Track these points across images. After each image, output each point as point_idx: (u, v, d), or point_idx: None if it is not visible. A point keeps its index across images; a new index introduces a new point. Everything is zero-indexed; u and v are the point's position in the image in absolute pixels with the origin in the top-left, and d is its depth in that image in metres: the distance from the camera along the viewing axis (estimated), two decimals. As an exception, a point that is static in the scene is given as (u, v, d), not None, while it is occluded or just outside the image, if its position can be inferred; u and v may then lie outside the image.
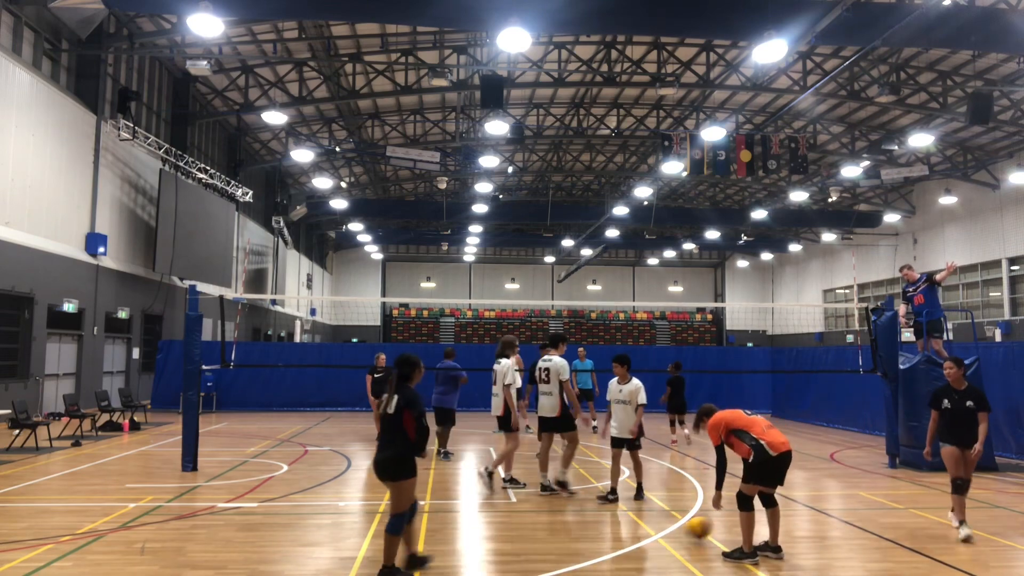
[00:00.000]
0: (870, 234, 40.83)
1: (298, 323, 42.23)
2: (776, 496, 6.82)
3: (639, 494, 9.14)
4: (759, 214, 37.21)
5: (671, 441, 15.05)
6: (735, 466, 6.85)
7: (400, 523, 5.86)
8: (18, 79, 17.47)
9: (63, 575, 6.02)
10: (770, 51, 15.82)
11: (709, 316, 56.20)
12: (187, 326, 11.31)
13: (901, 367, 12.31)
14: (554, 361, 9.48)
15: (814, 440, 16.08)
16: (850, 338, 41.23)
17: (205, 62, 20.11)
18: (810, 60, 24.52)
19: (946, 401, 7.67)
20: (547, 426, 9.63)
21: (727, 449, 6.86)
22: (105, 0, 16.81)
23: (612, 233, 41.76)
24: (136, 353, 23.72)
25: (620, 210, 35.41)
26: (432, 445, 13.19)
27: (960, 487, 7.47)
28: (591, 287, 56.41)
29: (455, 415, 13.05)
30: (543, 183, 41.06)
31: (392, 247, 53.62)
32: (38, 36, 18.70)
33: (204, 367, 11.47)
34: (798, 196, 35.19)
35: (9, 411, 13.21)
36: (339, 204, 36.08)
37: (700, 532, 7.11)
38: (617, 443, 9.10)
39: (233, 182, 28.44)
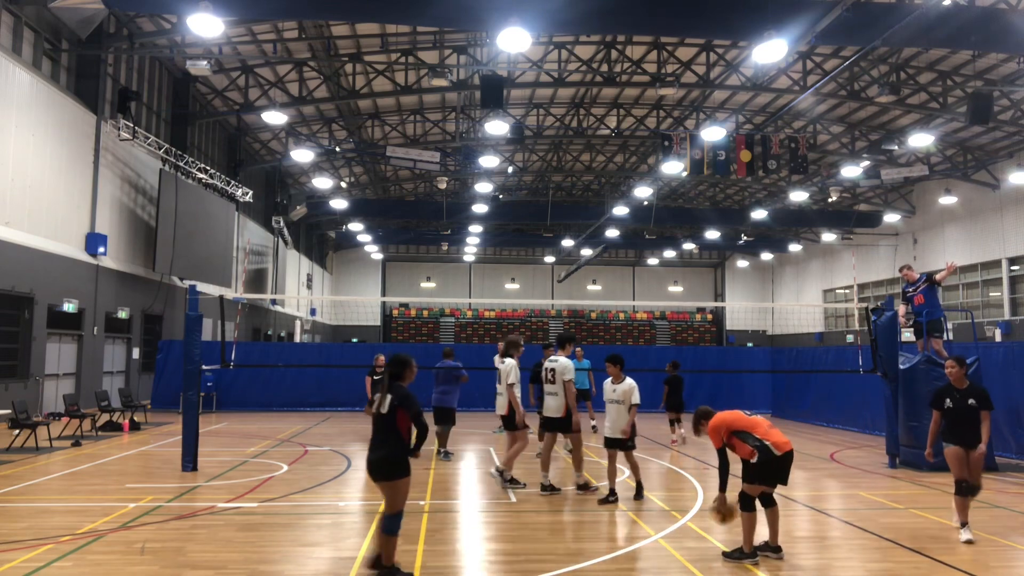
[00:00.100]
0: (870, 234, 40.83)
1: (298, 323, 42.23)
2: (776, 496, 6.82)
3: (639, 494, 9.13)
4: (759, 214, 37.21)
5: (671, 441, 15.05)
6: (735, 467, 6.85)
7: (396, 523, 5.85)
8: (18, 79, 17.47)
9: (63, 575, 6.03)
10: (770, 51, 15.82)
11: (709, 316, 56.20)
12: (187, 326, 11.31)
13: (901, 367, 12.31)
14: (560, 362, 9.54)
15: (814, 440, 16.08)
16: (850, 338, 41.24)
17: (205, 62, 20.10)
18: (810, 60, 24.53)
19: (948, 400, 7.56)
20: (551, 426, 9.65)
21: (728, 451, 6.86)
22: (105, 0, 16.81)
23: (612, 233, 41.77)
24: (136, 353, 23.72)
25: (620, 210, 35.41)
26: (432, 445, 13.20)
27: (965, 490, 7.36)
28: (591, 287, 56.42)
29: (455, 415, 13.05)
30: (543, 183, 41.06)
31: (392, 247, 53.63)
32: (38, 36, 18.70)
33: (204, 367, 11.47)
34: (798, 196, 35.20)
35: (9, 411, 13.21)
36: (339, 204, 36.08)
37: (724, 517, 6.93)
38: (610, 443, 9.08)
39: (233, 182, 28.44)
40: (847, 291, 45.26)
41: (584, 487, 9.55)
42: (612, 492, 9.00)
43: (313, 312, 47.46)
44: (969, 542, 7.18)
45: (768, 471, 6.61)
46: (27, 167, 17.83)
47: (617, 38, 24.01)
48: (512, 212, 40.72)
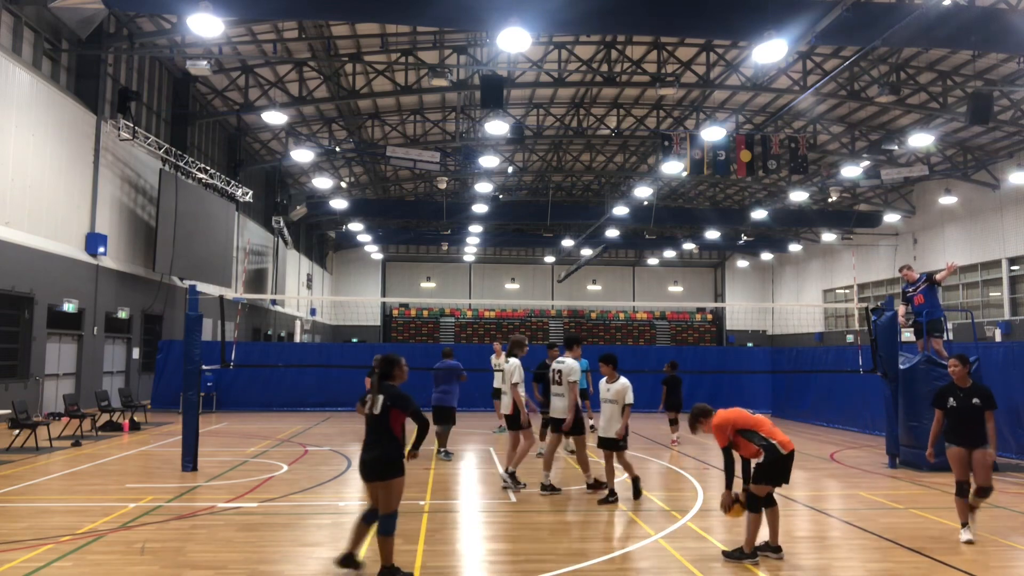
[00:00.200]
0: (870, 234, 40.83)
1: (298, 323, 42.23)
2: (776, 496, 6.81)
3: (636, 492, 9.10)
4: (759, 214, 37.21)
5: (671, 441, 15.05)
6: (735, 466, 6.84)
7: (392, 523, 5.85)
8: (18, 79, 17.47)
9: (63, 575, 6.03)
10: (770, 51, 15.82)
11: (709, 316, 56.21)
12: (187, 326, 11.31)
13: (901, 367, 12.31)
14: (566, 363, 9.58)
15: (814, 440, 16.08)
16: (850, 338, 41.24)
17: (205, 62, 20.10)
18: (810, 60, 24.53)
19: (951, 400, 7.41)
20: (558, 426, 9.67)
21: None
22: (105, 0, 16.81)
23: (612, 233, 41.77)
24: (136, 353, 23.72)
25: (620, 210, 35.41)
26: (431, 445, 13.20)
27: (976, 492, 7.20)
28: (591, 287, 56.41)
29: (455, 414, 13.05)
30: (543, 183, 41.07)
31: (392, 247, 53.63)
32: (38, 36, 18.70)
33: (204, 367, 11.47)
34: (798, 196, 35.20)
35: (9, 411, 13.21)
36: (339, 204, 36.08)
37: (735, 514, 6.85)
38: (603, 443, 9.07)
39: (233, 182, 28.44)
40: (847, 291, 45.27)
41: (595, 485, 9.54)
42: (612, 492, 9.00)
43: (313, 312, 47.46)
44: (969, 542, 7.17)
45: (775, 471, 6.58)
46: (27, 167, 17.83)
47: (617, 38, 24.01)
48: (512, 212, 40.72)
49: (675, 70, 24.61)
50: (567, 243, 45.66)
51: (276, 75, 26.21)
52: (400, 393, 5.98)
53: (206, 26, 15.61)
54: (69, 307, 19.26)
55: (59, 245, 19.06)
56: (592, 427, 15.34)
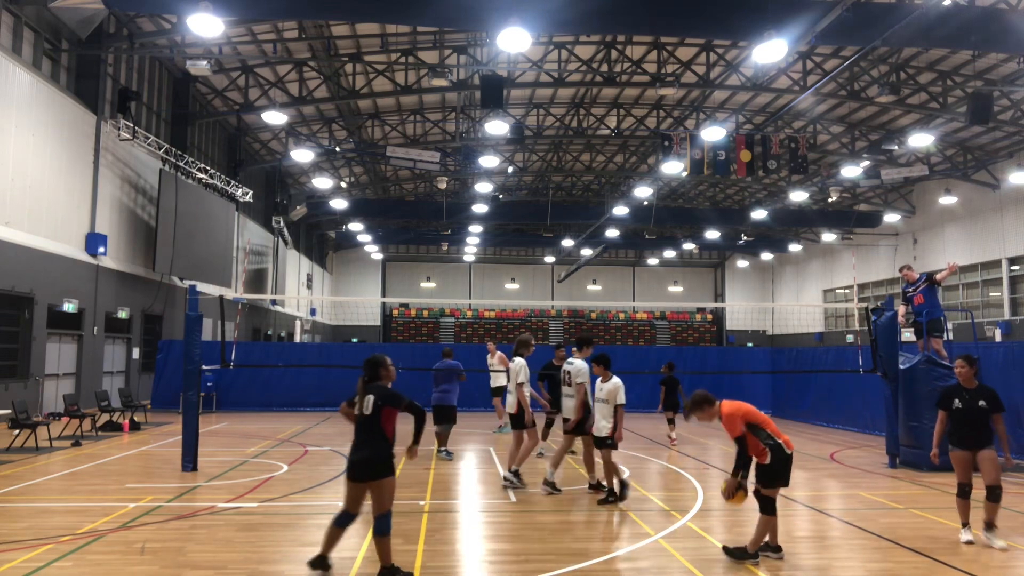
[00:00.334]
0: (870, 234, 40.83)
1: (298, 323, 42.23)
2: (762, 493, 6.78)
3: (608, 496, 8.88)
4: (759, 214, 37.21)
5: (669, 440, 15.06)
6: (730, 464, 6.82)
7: (387, 523, 5.84)
8: (18, 79, 17.47)
9: (63, 575, 6.02)
10: (770, 51, 15.81)
11: (709, 316, 56.21)
12: (187, 326, 11.31)
13: (901, 367, 12.31)
14: (576, 364, 9.58)
15: (814, 440, 16.08)
16: (850, 338, 41.24)
17: (205, 62, 20.10)
18: (810, 60, 24.53)
19: (957, 401, 7.24)
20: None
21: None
22: (105, 0, 16.81)
23: (612, 233, 41.77)
24: (136, 353, 23.72)
25: (620, 210, 35.42)
26: (431, 445, 13.20)
27: (987, 495, 7.07)
28: (591, 287, 56.42)
29: (456, 413, 13.05)
30: (543, 183, 41.07)
31: (392, 247, 53.63)
32: (38, 36, 18.70)
33: (204, 367, 11.47)
34: (798, 196, 35.20)
35: (9, 411, 13.21)
36: (339, 204, 36.08)
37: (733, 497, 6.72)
38: (596, 442, 9.07)
39: (233, 182, 28.44)
40: (847, 291, 45.27)
41: (597, 486, 9.54)
42: (611, 492, 8.99)
43: (313, 312, 47.46)
44: (969, 543, 7.17)
45: (782, 471, 6.55)
46: (27, 167, 17.83)
47: (617, 38, 24.01)
48: (512, 212, 40.72)
49: (675, 70, 24.61)
50: (567, 243, 45.66)
51: (276, 75, 26.21)
52: (390, 391, 6.01)
53: (206, 26, 15.61)
54: (69, 307, 19.26)
55: (59, 245, 19.06)
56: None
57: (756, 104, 29.30)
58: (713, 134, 24.10)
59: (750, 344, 49.71)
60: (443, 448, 12.80)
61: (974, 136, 30.57)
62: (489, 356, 17.12)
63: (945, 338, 12.81)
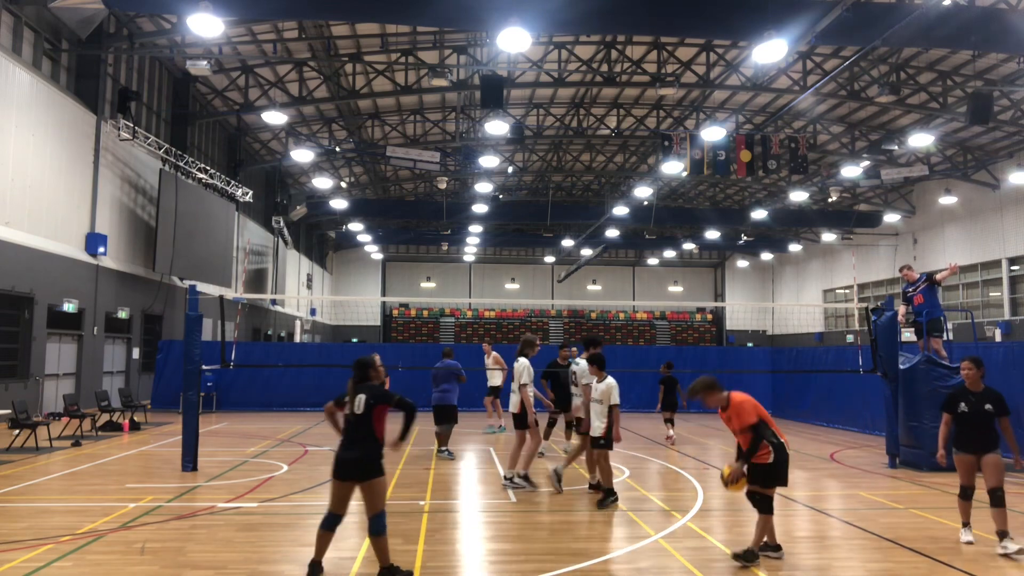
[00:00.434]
0: (870, 234, 40.83)
1: (298, 323, 42.23)
2: (763, 493, 6.76)
3: (608, 497, 8.78)
4: (759, 214, 37.22)
5: (667, 439, 15.07)
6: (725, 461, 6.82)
7: (381, 523, 5.83)
8: (18, 79, 17.47)
9: (63, 575, 6.02)
10: (770, 51, 15.81)
11: (709, 316, 56.21)
12: (187, 326, 11.31)
13: (901, 367, 12.31)
14: (581, 364, 9.62)
15: (814, 440, 16.08)
16: (850, 338, 41.23)
17: (205, 62, 20.10)
18: (810, 60, 24.53)
19: (963, 404, 7.08)
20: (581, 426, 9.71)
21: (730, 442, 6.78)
22: (105, 0, 16.81)
23: (612, 233, 41.77)
24: (136, 353, 23.72)
25: (620, 210, 35.42)
26: (431, 445, 13.22)
27: (991, 500, 6.94)
28: (591, 287, 56.42)
29: (456, 412, 13.05)
30: (543, 183, 41.07)
31: (392, 247, 53.63)
32: (38, 36, 18.70)
33: (204, 367, 11.47)
34: (798, 196, 35.20)
35: (9, 411, 13.21)
36: (339, 204, 36.09)
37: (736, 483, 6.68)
38: (593, 443, 9.06)
39: (233, 182, 28.44)
40: (847, 291, 45.27)
41: (597, 486, 9.53)
42: (611, 491, 8.98)
43: (313, 312, 47.46)
44: (969, 543, 7.16)
45: (783, 471, 6.54)
46: (27, 167, 17.83)
47: (617, 38, 24.01)
48: (512, 212, 40.72)
49: (675, 70, 24.61)
50: (567, 243, 45.66)
51: (276, 75, 26.21)
52: (382, 389, 6.06)
53: (206, 26, 15.61)
54: (69, 307, 19.26)
55: (59, 245, 19.06)
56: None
57: (756, 104, 29.30)
58: (713, 134, 24.10)
59: (750, 344, 49.71)
60: (445, 448, 12.81)
61: (974, 136, 30.57)
62: (486, 357, 17.19)
63: (945, 338, 12.81)
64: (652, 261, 56.29)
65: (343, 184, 37.26)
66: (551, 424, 13.26)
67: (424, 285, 55.32)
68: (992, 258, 32.95)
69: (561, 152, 36.07)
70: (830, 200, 36.15)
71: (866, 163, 30.33)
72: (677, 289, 57.39)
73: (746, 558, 6.42)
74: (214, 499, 8.93)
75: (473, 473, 11.37)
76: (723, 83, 25.67)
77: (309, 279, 45.48)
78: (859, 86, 26.23)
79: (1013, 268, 32.20)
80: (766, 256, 53.30)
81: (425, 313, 54.76)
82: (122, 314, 22.44)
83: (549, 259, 54.25)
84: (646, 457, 13.17)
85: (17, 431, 13.22)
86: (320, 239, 48.83)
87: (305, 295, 44.07)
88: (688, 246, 48.45)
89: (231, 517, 8.03)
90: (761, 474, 6.54)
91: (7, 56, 17.02)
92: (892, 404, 12.30)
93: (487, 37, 22.77)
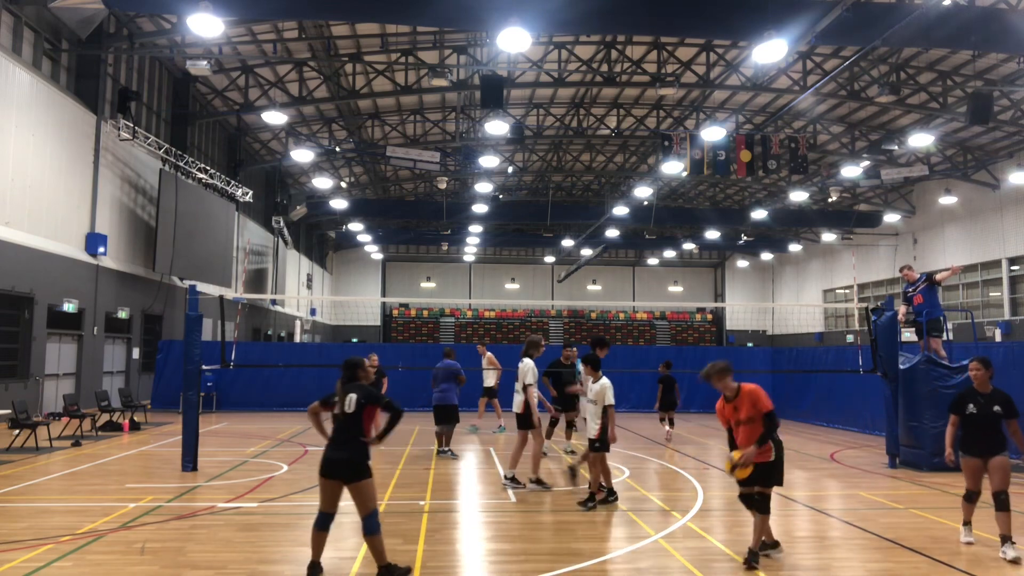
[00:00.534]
0: (870, 234, 40.83)
1: (298, 323, 42.23)
2: (775, 495, 6.78)
3: (590, 500, 8.68)
4: (759, 214, 37.21)
5: (665, 439, 15.09)
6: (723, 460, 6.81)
7: (375, 522, 5.84)
8: (18, 79, 17.47)
9: (63, 575, 6.02)
10: (770, 51, 15.81)
11: (709, 316, 56.21)
12: (187, 326, 11.31)
13: (901, 367, 12.31)
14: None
15: (814, 440, 16.07)
16: (850, 338, 41.23)
17: (205, 62, 20.10)
18: (810, 60, 24.52)
19: (971, 405, 6.94)
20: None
21: (729, 438, 6.71)
22: (105, 0, 16.81)
23: (612, 233, 41.77)
24: (136, 353, 23.72)
25: (620, 210, 35.41)
26: (431, 445, 13.22)
27: (995, 504, 6.84)
28: (591, 287, 56.42)
29: (457, 412, 13.06)
30: (543, 183, 41.07)
31: (392, 247, 53.63)
32: (38, 36, 18.70)
33: (204, 367, 11.47)
34: (798, 196, 35.20)
35: (9, 411, 13.21)
36: (339, 204, 36.09)
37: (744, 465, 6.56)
38: (589, 445, 9.02)
39: (233, 182, 28.44)
40: (847, 291, 45.27)
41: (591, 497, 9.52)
42: (611, 491, 8.97)
43: (313, 312, 47.46)
44: (969, 543, 7.16)
45: (781, 469, 6.53)
46: (27, 167, 17.83)
47: (617, 38, 24.00)
48: (512, 212, 40.72)
49: (675, 70, 24.61)
50: (567, 243, 45.66)
51: (276, 75, 26.21)
52: (372, 390, 6.13)
53: (206, 26, 15.61)
54: (69, 307, 19.26)
55: (59, 245, 19.06)
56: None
57: (756, 104, 29.30)
58: (713, 134, 24.10)
59: (750, 344, 49.70)
60: (448, 448, 12.82)
61: (974, 136, 30.57)
62: (482, 358, 17.26)
63: (945, 338, 12.81)
64: (652, 261, 56.29)
65: (343, 184, 37.26)
66: (553, 424, 13.26)
67: (424, 285, 55.32)
68: (992, 258, 32.94)
69: (561, 152, 36.06)
70: (830, 200, 36.15)
71: (866, 163, 30.32)
72: (677, 289, 57.39)
73: (751, 561, 6.41)
74: (214, 499, 8.93)
75: (473, 473, 11.37)
76: (723, 83, 25.67)
77: (309, 279, 45.48)
78: (859, 86, 26.23)
79: (1013, 268, 32.19)
80: (766, 256, 53.31)
81: (425, 313, 54.76)
82: (122, 314, 22.44)
83: (549, 259, 54.25)
84: (646, 457, 13.17)
85: (17, 431, 13.22)
86: (320, 239, 48.83)
87: (305, 295, 44.07)
88: (688, 246, 48.45)
89: (231, 517, 8.03)
90: (763, 473, 6.50)
91: (7, 56, 17.02)
92: (892, 404, 12.30)
93: (487, 37, 22.77)
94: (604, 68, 24.69)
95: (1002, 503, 6.80)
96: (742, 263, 56.27)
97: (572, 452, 13.09)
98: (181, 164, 24.52)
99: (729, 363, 6.62)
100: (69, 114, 19.67)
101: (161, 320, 25.25)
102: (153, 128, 24.87)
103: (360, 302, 52.72)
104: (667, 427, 15.18)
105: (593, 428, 8.77)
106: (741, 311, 54.20)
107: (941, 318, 12.64)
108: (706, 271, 58.40)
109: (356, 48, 24.66)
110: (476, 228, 42.89)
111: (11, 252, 17.03)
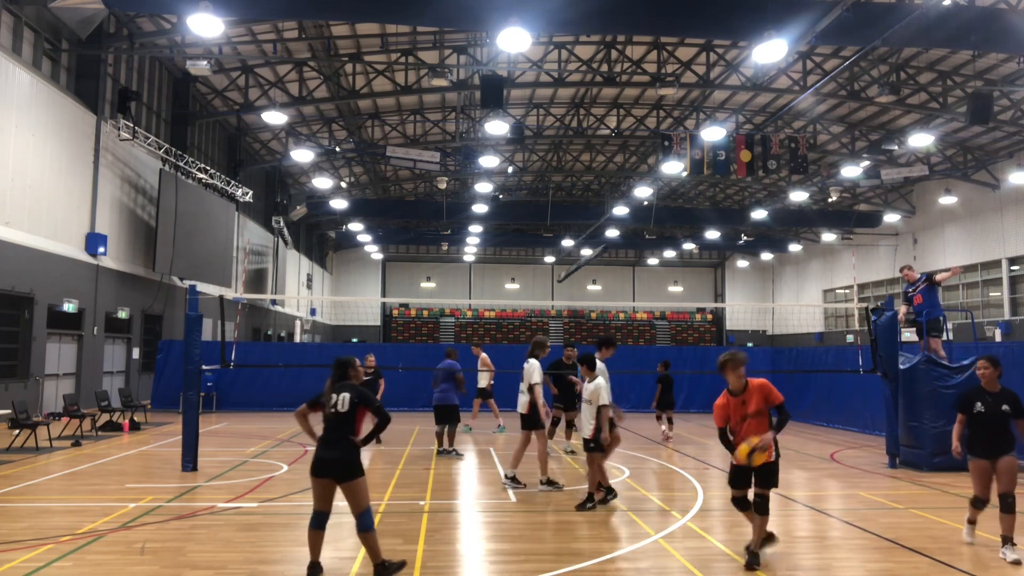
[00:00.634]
0: (870, 234, 40.83)
1: (298, 323, 42.24)
2: (775, 495, 6.76)
3: (588, 501, 8.62)
4: (759, 214, 37.21)
5: (664, 438, 15.09)
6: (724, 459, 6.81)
7: (368, 519, 5.86)
8: (18, 79, 17.47)
9: (63, 575, 6.02)
10: (770, 51, 15.81)
11: (709, 316, 56.21)
12: (187, 326, 11.31)
13: (901, 367, 12.30)
14: (599, 366, 9.55)
15: (814, 440, 16.07)
16: (850, 338, 41.24)
17: (205, 62, 20.10)
18: (810, 60, 24.53)
19: (979, 404, 6.86)
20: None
21: (729, 438, 6.57)
22: (105, 0, 16.81)
23: (612, 233, 41.76)
24: (136, 353, 23.72)
25: (620, 210, 35.41)
26: (432, 445, 13.21)
27: (1001, 506, 6.75)
28: (591, 287, 56.42)
29: (458, 412, 13.05)
30: (543, 183, 41.07)
31: (392, 247, 53.63)
32: (38, 36, 18.70)
33: (204, 367, 11.47)
34: (798, 196, 35.20)
35: (9, 411, 13.21)
36: (339, 204, 36.09)
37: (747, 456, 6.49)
38: (584, 445, 9.01)
39: (233, 182, 28.44)
40: (847, 291, 45.27)
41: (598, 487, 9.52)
42: (610, 491, 8.95)
43: (313, 312, 47.47)
44: (969, 543, 7.16)
45: (778, 470, 6.51)
46: (27, 167, 17.83)
47: (617, 38, 24.00)
48: (512, 212, 40.72)
49: (675, 70, 24.61)
50: (567, 243, 45.67)
51: (276, 75, 26.21)
52: (365, 391, 6.15)
53: (206, 26, 15.61)
54: (69, 307, 19.26)
55: (59, 245, 19.06)
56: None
57: (756, 104, 29.30)
58: (713, 134, 24.10)
59: (750, 344, 49.68)
60: (452, 448, 12.83)
61: (974, 136, 30.57)
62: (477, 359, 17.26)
63: (945, 338, 12.81)
64: (652, 261, 56.29)
65: (343, 184, 37.26)
66: (554, 423, 13.27)
67: (424, 285, 55.32)
68: (992, 258, 32.95)
69: (561, 152, 36.07)
70: (830, 200, 36.15)
71: (866, 163, 30.32)
72: (677, 289, 57.40)
73: (752, 562, 6.39)
74: (214, 499, 8.93)
75: (473, 473, 11.37)
76: (723, 83, 25.67)
77: (309, 279, 45.48)
78: (859, 86, 26.23)
79: (1013, 268, 32.19)
80: (766, 256, 53.31)
81: (425, 313, 54.76)
82: (122, 314, 22.44)
83: (549, 259, 54.25)
84: (646, 457, 13.17)
85: (17, 431, 13.22)
86: (320, 239, 48.84)
87: (305, 295, 44.07)
88: (688, 246, 48.45)
89: (231, 517, 8.03)
90: (766, 474, 6.47)
91: (7, 56, 17.02)
92: (892, 404, 12.30)
93: (487, 37, 22.77)
94: (604, 68, 24.69)
95: (1008, 505, 6.74)
96: (742, 263, 56.28)
97: (572, 452, 13.10)
98: (181, 164, 24.52)
99: (744, 356, 6.51)
100: (69, 114, 19.67)
101: (161, 320, 25.26)
102: (153, 128, 24.87)
103: (360, 302, 52.73)
104: (664, 426, 15.22)
105: (587, 428, 8.74)
106: (741, 311, 54.21)
107: (941, 318, 12.64)
108: (706, 271, 58.41)
109: (356, 48, 24.66)
110: (476, 228, 42.89)
111: (11, 252, 17.03)
